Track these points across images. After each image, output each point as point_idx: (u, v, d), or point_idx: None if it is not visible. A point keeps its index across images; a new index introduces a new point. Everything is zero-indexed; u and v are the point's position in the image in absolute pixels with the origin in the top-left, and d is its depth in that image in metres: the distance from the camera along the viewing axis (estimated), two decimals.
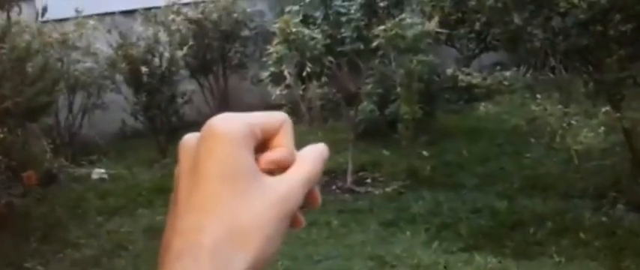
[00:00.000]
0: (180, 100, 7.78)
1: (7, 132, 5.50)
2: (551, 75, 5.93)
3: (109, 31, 7.59)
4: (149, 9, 8.00)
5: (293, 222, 0.45)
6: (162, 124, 7.43)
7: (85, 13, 7.60)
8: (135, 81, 7.53)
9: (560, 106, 4.73)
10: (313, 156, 0.45)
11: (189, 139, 0.44)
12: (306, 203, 0.46)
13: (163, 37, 7.72)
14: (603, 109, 4.89)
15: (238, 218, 0.41)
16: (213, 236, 0.40)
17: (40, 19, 7.65)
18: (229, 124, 0.42)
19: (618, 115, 4.66)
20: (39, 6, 6.98)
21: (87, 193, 6.01)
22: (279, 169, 0.44)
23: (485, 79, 5.17)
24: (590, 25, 4.68)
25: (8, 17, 4.90)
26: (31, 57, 5.64)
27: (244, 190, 0.41)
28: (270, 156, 0.44)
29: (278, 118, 0.45)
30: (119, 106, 7.58)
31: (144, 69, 7.39)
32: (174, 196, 0.43)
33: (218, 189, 0.41)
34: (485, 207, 5.13)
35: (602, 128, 4.63)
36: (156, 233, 5.01)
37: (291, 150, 0.45)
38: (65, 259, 4.75)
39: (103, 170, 6.70)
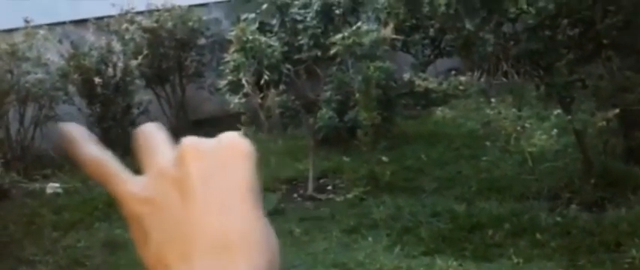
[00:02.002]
0: (136, 111, 7.65)
1: None
2: (504, 79, 6.08)
3: (60, 41, 7.42)
4: (101, 18, 7.84)
5: None
6: (118, 136, 7.28)
7: (35, 22, 7.39)
8: (88, 92, 7.37)
9: (513, 110, 4.85)
10: None
11: (201, 144, 0.44)
12: None
13: (117, 46, 7.58)
14: (555, 112, 5.04)
15: (252, 229, 0.44)
16: (258, 245, 0.43)
17: None
18: (248, 144, 0.45)
19: (569, 117, 4.81)
20: None
21: (41, 209, 5.83)
22: None
23: (441, 84, 5.27)
24: (539, 30, 4.82)
25: None
26: None
27: (256, 206, 0.45)
28: None
29: None
30: (73, 118, 7.38)
31: (97, 79, 7.24)
32: (159, 191, 0.43)
33: (248, 201, 0.43)
34: (445, 211, 5.20)
35: (555, 130, 4.77)
36: (114, 247, 4.89)
37: None
38: None
39: (57, 184, 6.52)
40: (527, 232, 4.68)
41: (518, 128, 4.73)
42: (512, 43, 5.15)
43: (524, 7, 4.56)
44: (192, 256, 0.41)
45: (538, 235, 4.58)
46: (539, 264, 4.28)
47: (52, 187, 6.46)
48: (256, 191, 0.44)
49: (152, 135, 0.47)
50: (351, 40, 5.21)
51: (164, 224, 0.42)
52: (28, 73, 7.13)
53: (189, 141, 0.44)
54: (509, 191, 5.39)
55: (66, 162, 7.24)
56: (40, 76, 7.13)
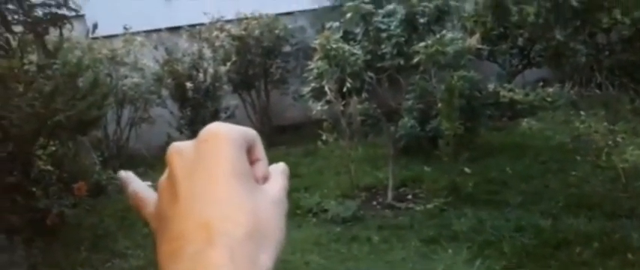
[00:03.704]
0: (223, 115, 7.94)
1: (58, 145, 5.71)
2: (598, 91, 5.82)
3: (155, 47, 7.82)
4: (194, 26, 8.21)
5: None
6: None
7: (133, 29, 7.85)
8: (180, 96, 7.72)
9: (605, 123, 4.64)
10: (281, 170, 0.49)
11: (180, 145, 0.46)
12: None
13: (207, 53, 7.90)
14: None
15: (258, 212, 0.42)
16: (243, 227, 0.41)
17: (90, 35, 7.94)
18: (231, 129, 0.45)
19: None
20: (89, 23, 7.25)
21: None
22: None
23: (527, 95, 5.12)
24: (634, 41, 4.59)
25: (61, 34, 5.13)
26: (82, 72, 5.85)
27: (253, 188, 0.43)
28: (260, 171, 0.47)
29: (253, 132, 0.48)
30: (165, 120, 7.77)
31: (189, 84, 7.57)
32: (168, 197, 0.44)
33: (233, 185, 0.42)
34: (529, 225, 5.03)
35: None
36: None
37: (267, 163, 0.48)
38: (113, 268, 4.89)
39: (149, 182, 6.75)
40: (618, 252, 4.44)
41: (610, 142, 4.52)
42: (606, 53, 4.93)
43: (619, 17, 4.36)
44: (177, 252, 0.40)
45: (629, 256, 4.34)
46: None
47: (145, 184, 6.80)
48: (244, 173, 0.43)
49: (129, 180, 0.50)
50: (434, 49, 5.17)
51: (162, 230, 0.43)
52: (126, 77, 7.57)
53: (172, 146, 0.46)
54: (599, 208, 5.14)
55: (157, 162, 7.62)
56: (136, 80, 7.56)
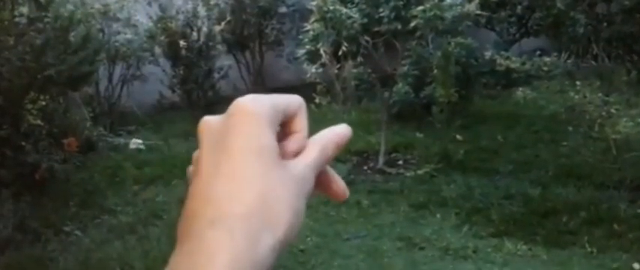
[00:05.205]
0: (216, 75, 7.87)
1: (49, 99, 5.66)
2: (594, 62, 5.80)
3: (149, 4, 7.69)
4: None
5: (334, 194, 0.48)
6: (199, 98, 7.53)
7: None
8: (173, 54, 7.63)
9: (600, 95, 4.64)
10: (324, 141, 0.47)
11: (211, 119, 0.45)
12: (331, 193, 0.48)
13: (202, 11, 7.78)
14: None
15: (269, 190, 0.41)
16: (246, 207, 0.40)
17: None
18: (258, 104, 0.44)
19: None
20: None
21: (124, 162, 6.16)
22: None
23: (524, 64, 5.09)
24: (635, 12, 4.55)
25: None
26: (74, 26, 5.75)
27: (271, 166, 0.42)
28: (292, 145, 0.45)
29: (297, 101, 0.47)
30: (157, 79, 7.70)
31: (182, 43, 7.48)
32: (194, 171, 0.43)
33: (248, 161, 0.42)
34: (518, 194, 5.08)
35: None
36: None
37: (306, 135, 0.46)
38: (102, 224, 4.90)
39: (140, 140, 6.84)
40: (604, 222, 4.50)
41: (604, 114, 4.53)
42: (605, 24, 4.90)
43: None
44: (186, 231, 0.40)
45: (615, 226, 4.41)
46: (614, 255, 4.12)
47: (135, 142, 6.79)
48: (265, 149, 0.42)
49: None
50: (432, 13, 5.11)
51: (185, 203, 0.43)
52: (118, 33, 7.46)
53: (203, 119, 0.45)
54: (589, 179, 5.18)
55: (149, 120, 7.59)
56: (129, 36, 7.46)
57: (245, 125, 0.42)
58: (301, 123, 0.46)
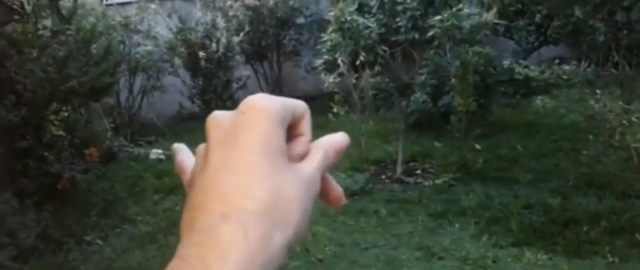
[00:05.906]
0: (235, 85, 7.94)
1: (71, 110, 5.75)
2: (614, 70, 5.74)
3: (169, 16, 7.80)
4: None
5: (332, 200, 0.48)
6: (218, 108, 7.58)
7: None
8: (193, 65, 7.72)
9: (620, 103, 4.58)
10: (325, 147, 0.47)
11: (220, 114, 0.46)
12: (329, 200, 0.48)
13: (221, 22, 7.87)
14: None
15: (280, 189, 0.41)
16: (259, 203, 0.40)
17: (104, 1, 7.93)
18: (270, 103, 0.44)
19: None
20: None
21: (144, 172, 6.23)
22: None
23: (543, 72, 5.06)
24: None
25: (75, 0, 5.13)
26: (96, 38, 5.86)
27: (281, 165, 0.42)
28: (298, 149, 0.45)
29: (302, 106, 0.47)
30: (177, 89, 7.79)
31: (201, 54, 7.57)
32: (200, 165, 0.44)
33: (259, 159, 0.41)
34: (538, 203, 5.03)
35: None
36: None
37: (310, 139, 0.47)
38: (123, 233, 4.96)
39: (160, 150, 6.91)
40: (626, 232, 4.44)
41: (625, 122, 4.47)
42: (625, 32, 4.85)
43: None
44: (193, 222, 0.40)
45: (637, 236, 4.34)
46: (636, 265, 4.06)
47: (156, 152, 6.86)
48: (275, 149, 0.42)
49: (179, 150, 0.52)
50: (450, 23, 5.11)
51: (188, 197, 0.43)
52: (139, 44, 7.57)
53: (212, 114, 0.46)
54: (610, 188, 5.12)
55: (169, 130, 7.67)
56: (149, 48, 7.56)
57: (257, 123, 0.42)
58: (306, 127, 0.47)
